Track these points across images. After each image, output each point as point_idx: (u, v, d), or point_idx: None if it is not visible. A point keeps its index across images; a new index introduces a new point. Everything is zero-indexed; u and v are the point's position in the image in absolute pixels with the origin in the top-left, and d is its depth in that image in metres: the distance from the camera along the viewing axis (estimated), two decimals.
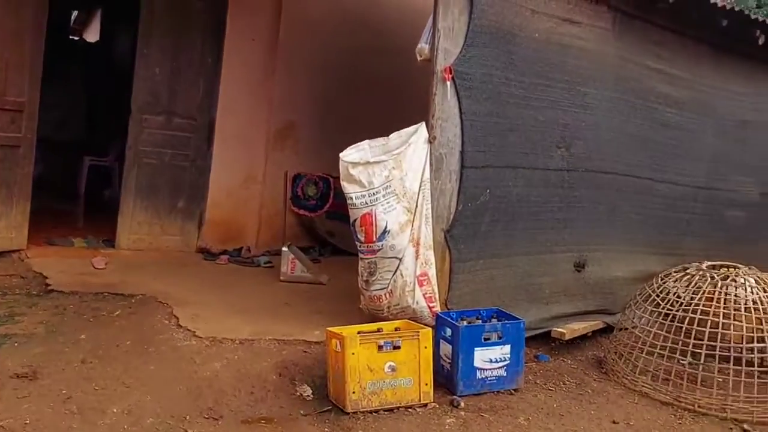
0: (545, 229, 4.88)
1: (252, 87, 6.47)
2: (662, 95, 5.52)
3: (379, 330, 3.70)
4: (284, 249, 5.55)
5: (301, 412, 3.43)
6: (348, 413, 3.39)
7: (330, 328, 3.60)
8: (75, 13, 11.73)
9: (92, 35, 11.62)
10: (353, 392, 3.40)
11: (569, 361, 4.60)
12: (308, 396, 3.57)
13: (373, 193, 4.01)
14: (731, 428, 3.76)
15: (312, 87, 6.75)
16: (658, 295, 4.36)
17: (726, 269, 4.37)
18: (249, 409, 3.39)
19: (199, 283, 5.24)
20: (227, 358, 3.76)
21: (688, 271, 4.44)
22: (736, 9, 5.32)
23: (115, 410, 3.19)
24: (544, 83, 4.71)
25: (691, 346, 4.02)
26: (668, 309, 4.24)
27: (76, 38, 11.74)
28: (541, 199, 4.82)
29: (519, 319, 4.01)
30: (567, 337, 4.63)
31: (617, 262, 5.35)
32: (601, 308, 5.16)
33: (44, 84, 5.49)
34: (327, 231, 6.80)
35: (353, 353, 3.40)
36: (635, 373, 4.21)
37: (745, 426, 3.77)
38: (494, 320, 4.04)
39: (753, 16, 5.47)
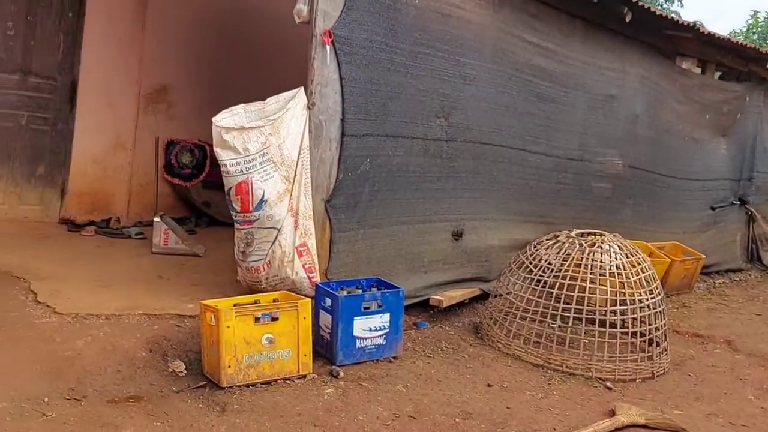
0: (425, 198, 4.91)
1: (120, 44, 6.03)
2: (537, 68, 5.67)
3: (256, 302, 3.59)
4: (156, 219, 5.25)
5: (174, 388, 3.27)
6: (223, 388, 3.27)
7: (204, 301, 3.45)
8: None
9: None
10: (229, 366, 3.28)
11: (447, 328, 4.71)
12: (181, 372, 3.42)
13: (249, 161, 3.84)
14: (596, 386, 3.98)
15: (188, 47, 6.38)
16: (531, 262, 4.52)
17: (593, 237, 4.59)
18: (116, 388, 3.19)
19: (61, 256, 4.87)
20: (91, 335, 3.52)
21: (558, 239, 4.62)
22: None
23: None
24: (424, 52, 4.69)
25: (560, 310, 4.22)
26: (540, 275, 4.41)
27: None
28: (421, 168, 4.83)
29: (398, 287, 4.03)
30: (445, 305, 4.73)
31: (493, 231, 5.50)
32: (478, 276, 5.30)
33: None
34: (203, 201, 6.52)
35: (228, 326, 3.27)
36: (509, 337, 4.37)
37: (608, 384, 4.01)
38: (374, 289, 4.03)
39: None
